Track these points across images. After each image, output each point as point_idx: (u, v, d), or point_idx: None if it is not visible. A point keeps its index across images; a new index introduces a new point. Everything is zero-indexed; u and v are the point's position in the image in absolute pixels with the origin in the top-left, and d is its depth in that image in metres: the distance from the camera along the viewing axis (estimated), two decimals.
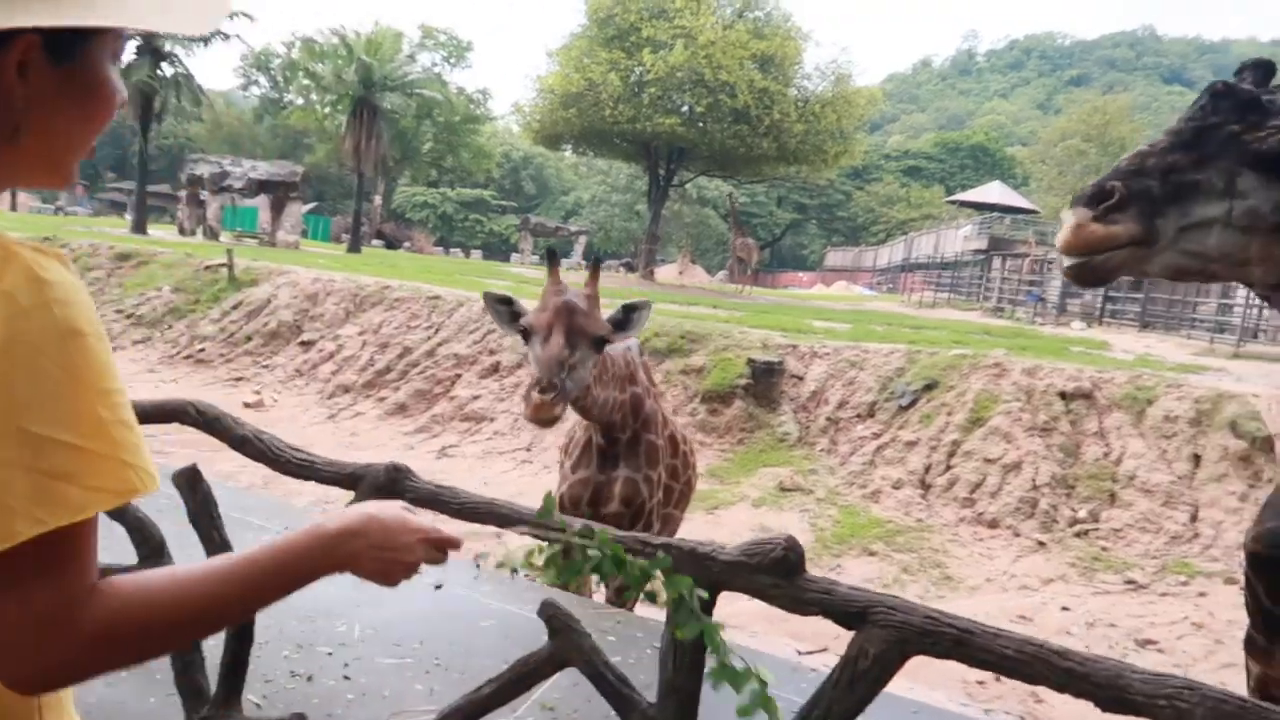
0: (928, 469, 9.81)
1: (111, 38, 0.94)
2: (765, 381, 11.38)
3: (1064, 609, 7.29)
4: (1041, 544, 8.53)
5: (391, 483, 2.16)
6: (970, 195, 38.16)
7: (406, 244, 50.37)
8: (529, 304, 3.18)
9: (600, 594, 3.82)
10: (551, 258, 3.25)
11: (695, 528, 8.46)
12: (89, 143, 0.97)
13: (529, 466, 10.50)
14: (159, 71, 29.65)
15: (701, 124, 25.96)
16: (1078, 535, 8.57)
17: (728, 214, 31.33)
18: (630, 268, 39.16)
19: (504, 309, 3.17)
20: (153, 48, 29.51)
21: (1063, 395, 10.09)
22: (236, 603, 0.94)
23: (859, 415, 11.01)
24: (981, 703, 5.87)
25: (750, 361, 11.54)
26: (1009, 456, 9.47)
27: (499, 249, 53.45)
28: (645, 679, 1.96)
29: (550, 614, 1.95)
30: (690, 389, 11.61)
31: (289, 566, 0.96)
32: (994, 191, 36.02)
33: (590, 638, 1.91)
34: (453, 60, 55.94)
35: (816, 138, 26.39)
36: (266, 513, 4.64)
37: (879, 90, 33.21)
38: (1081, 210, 1.52)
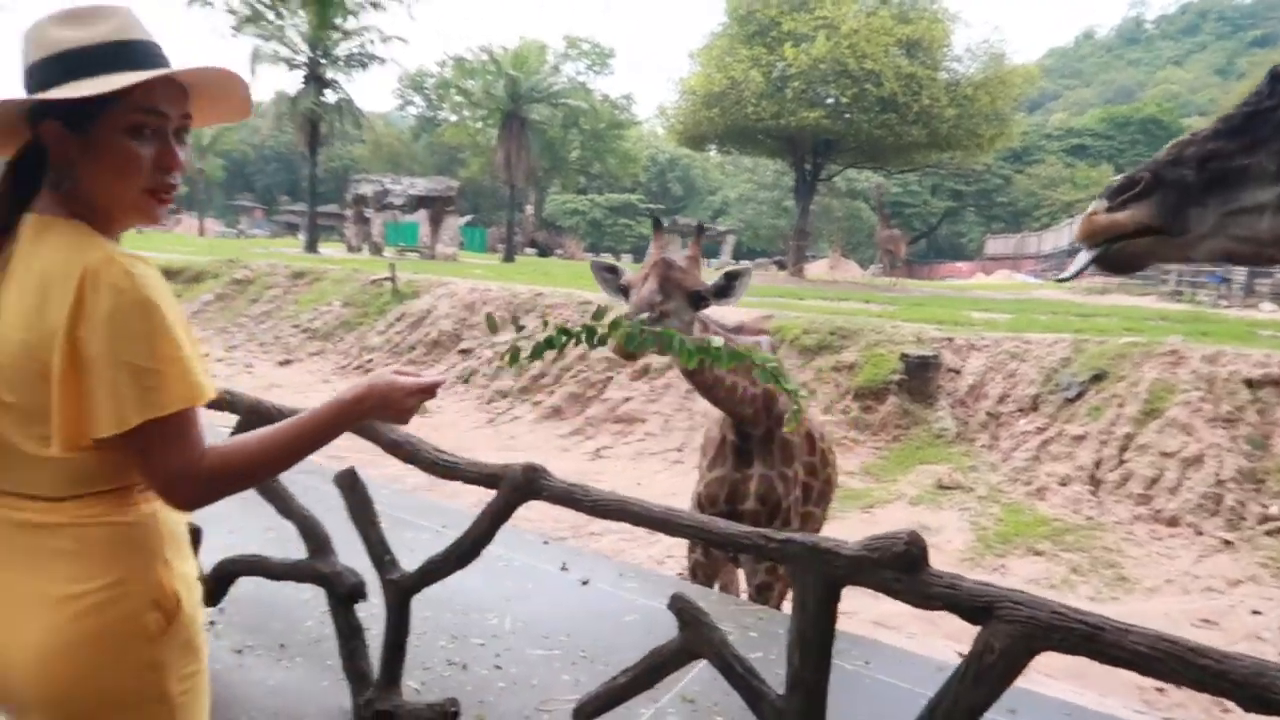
0: (1098, 464, 9.28)
1: (120, 115, 1.35)
2: (920, 376, 11.05)
3: (1255, 613, 6.75)
4: (1228, 543, 7.92)
5: (529, 482, 2.27)
6: None
7: (559, 251, 51.68)
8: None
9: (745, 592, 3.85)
10: (657, 225, 3.35)
11: (850, 526, 8.32)
12: (129, 193, 1.39)
13: (680, 467, 10.59)
14: (323, 98, 31.56)
15: (847, 115, 25.42)
16: (1269, 534, 7.91)
17: (876, 206, 30.55)
18: (781, 265, 38.76)
19: (611, 277, 3.29)
20: (316, 76, 31.43)
21: (1249, 383, 9.33)
22: (294, 449, 1.42)
23: (1021, 409, 10.53)
24: (1162, 710, 5.52)
25: (904, 356, 11.23)
26: (1189, 450, 8.84)
27: (647, 251, 53.92)
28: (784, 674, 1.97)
29: (680, 606, 2.00)
30: (842, 386, 11.42)
31: (325, 423, 1.45)
32: None
33: (720, 631, 1.94)
34: (596, 68, 56.97)
35: (970, 121, 25.36)
36: (424, 512, 4.90)
37: (1035, 68, 31.53)
38: (1100, 201, 1.50)
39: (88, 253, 1.30)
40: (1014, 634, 1.41)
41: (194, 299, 19.17)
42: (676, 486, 10.03)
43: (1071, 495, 9.05)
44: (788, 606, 3.90)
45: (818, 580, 1.75)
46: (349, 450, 4.14)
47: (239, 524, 4.32)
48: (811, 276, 32.04)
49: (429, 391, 1.54)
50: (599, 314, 2.07)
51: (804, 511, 3.56)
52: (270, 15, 9.84)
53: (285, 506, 2.82)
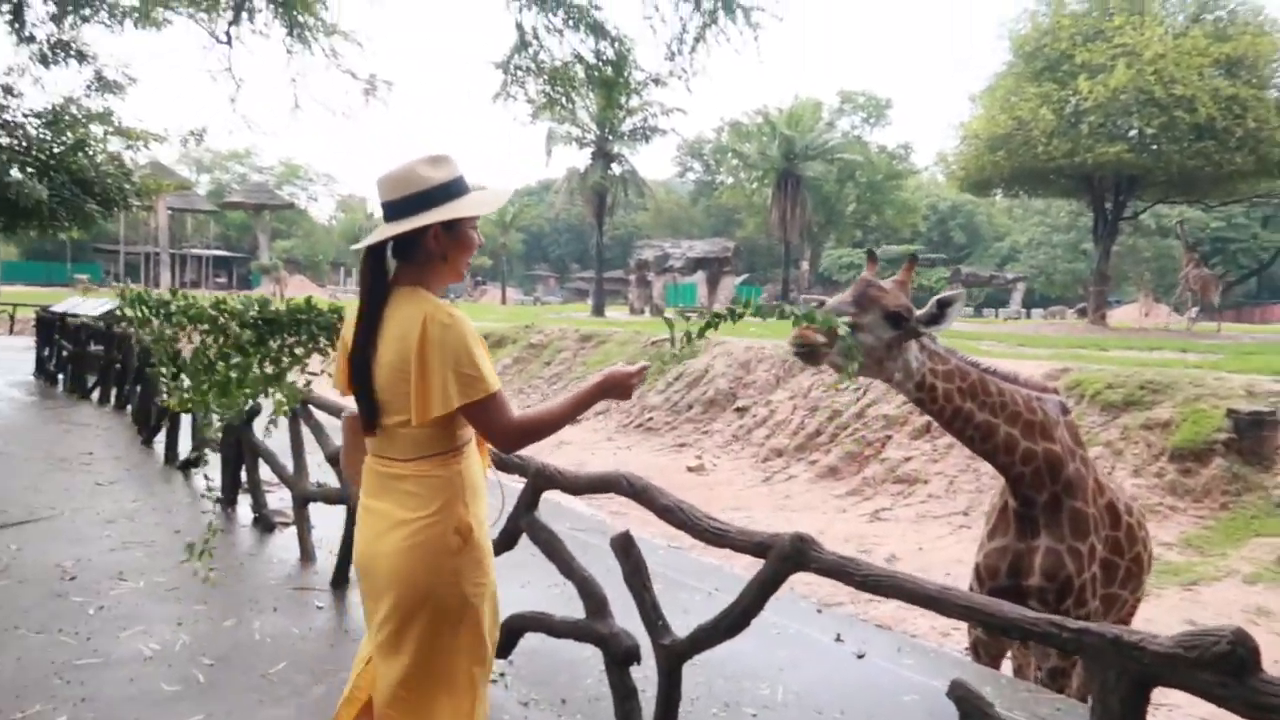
0: None
1: (469, 219, 2.23)
2: (1253, 435, 9.67)
3: None
4: None
5: (797, 553, 2.21)
6: None
7: None
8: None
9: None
10: (871, 256, 3.44)
11: (1167, 605, 7.39)
12: (466, 263, 2.31)
13: (966, 532, 9.95)
14: (609, 171, 33.58)
15: (1154, 146, 23.17)
16: None
17: (1182, 242, 27.43)
18: (1082, 312, 35.80)
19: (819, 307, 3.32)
20: (604, 152, 33.53)
21: None
22: (566, 416, 2.20)
23: None
24: None
25: (1231, 412, 9.89)
26: None
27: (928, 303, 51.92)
28: None
29: (960, 694, 1.86)
30: (1154, 446, 10.24)
31: (582, 401, 2.25)
32: None
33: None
34: (872, 120, 56.24)
35: None
36: (698, 573, 4.93)
37: None
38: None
39: (426, 305, 2.10)
40: None
41: (495, 363, 20.88)
42: (962, 553, 9.41)
43: None
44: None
45: (1121, 678, 1.55)
46: (629, 507, 4.28)
47: (530, 577, 4.59)
48: (1116, 324, 29.29)
49: (640, 375, 2.33)
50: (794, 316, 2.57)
51: (1106, 594, 3.18)
52: (563, 100, 10.84)
53: (567, 567, 2.95)
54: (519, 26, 10.04)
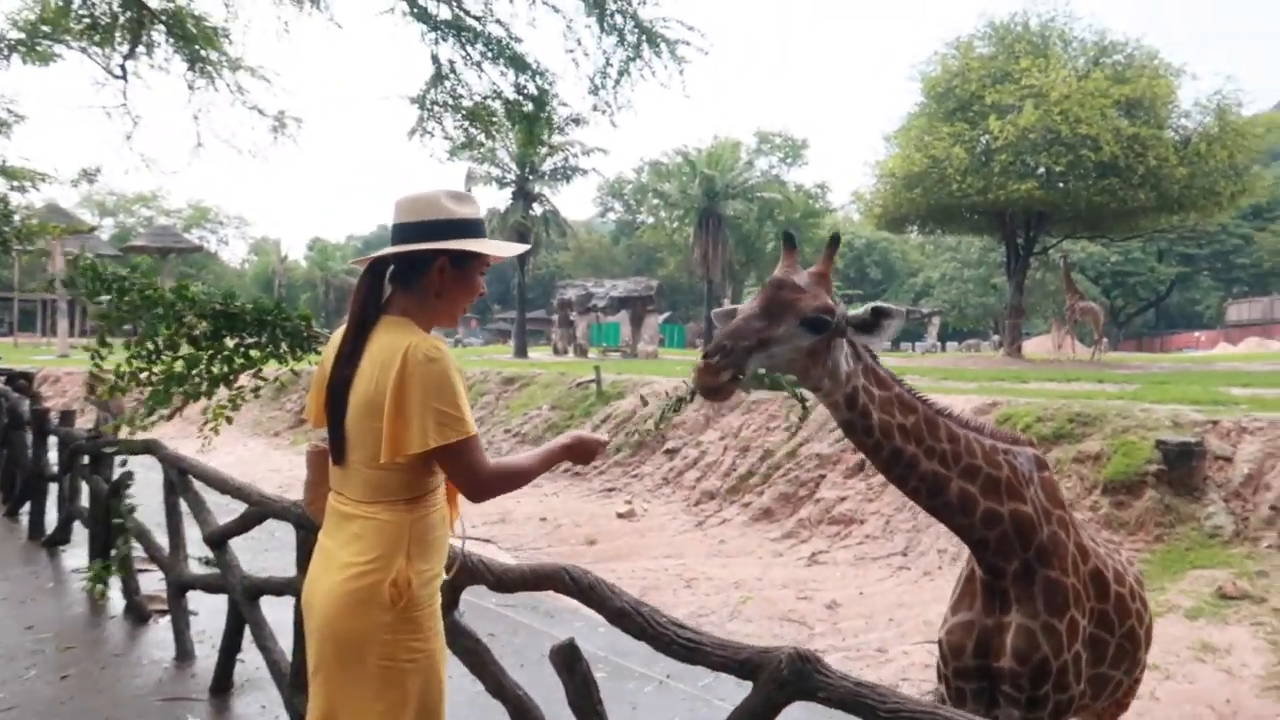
0: None
1: (481, 262, 2.19)
2: (1182, 466, 9.69)
3: None
4: None
5: (798, 676, 1.76)
6: None
7: None
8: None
9: None
10: (788, 241, 2.75)
11: None
12: (464, 309, 2.22)
13: (907, 573, 9.73)
14: (530, 212, 33.25)
15: (1062, 184, 23.84)
16: None
17: (1064, 276, 28.17)
18: (997, 345, 36.63)
19: (727, 317, 2.73)
20: (525, 192, 33.21)
21: None
22: (535, 471, 2.19)
23: None
24: None
25: (1160, 443, 9.91)
26: None
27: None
28: None
29: None
30: (1087, 479, 10.20)
31: (551, 459, 2.27)
32: None
33: None
34: (789, 160, 57.21)
35: (1205, 179, 23.13)
36: (650, 656, 4.49)
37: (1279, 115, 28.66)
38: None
39: (412, 336, 2.00)
40: None
41: None
42: (903, 596, 9.16)
43: None
44: None
45: None
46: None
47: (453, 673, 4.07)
48: (1030, 355, 29.94)
49: (604, 445, 2.42)
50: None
51: (1095, 674, 2.81)
52: (483, 136, 10.49)
53: (496, 684, 2.47)
54: (435, 59, 9.64)
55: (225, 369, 4.02)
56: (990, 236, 32.72)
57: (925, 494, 2.63)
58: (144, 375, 3.89)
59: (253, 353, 4.08)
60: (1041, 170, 23.98)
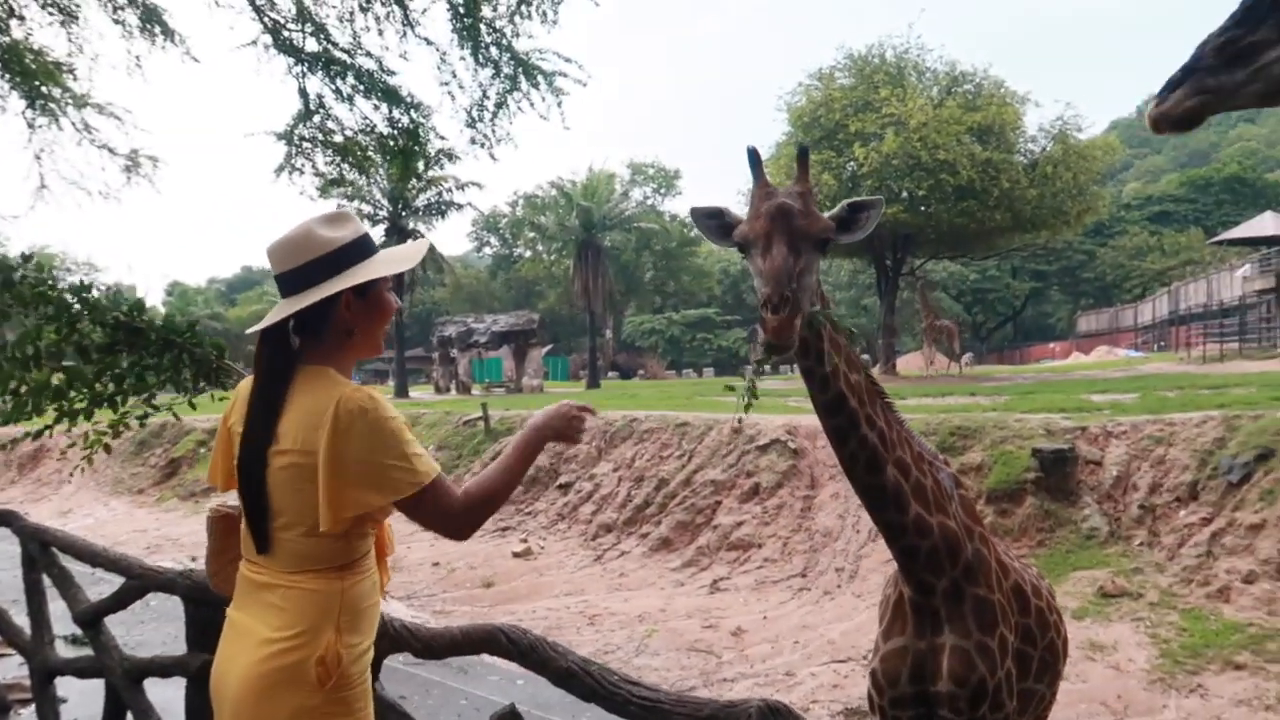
0: None
1: (384, 281, 1.99)
2: (1058, 472, 10.14)
3: None
4: None
5: None
6: (1239, 231, 34.11)
7: (640, 372, 51.64)
8: (742, 214, 2.54)
9: None
10: (754, 159, 2.54)
11: None
12: (383, 333, 2.05)
13: (806, 595, 9.80)
14: None
15: (924, 207, 24.98)
16: None
17: (920, 298, 29.58)
18: (872, 362, 37.88)
19: (714, 224, 2.60)
20: (399, 228, 32.55)
21: None
22: (516, 473, 1.95)
23: (1178, 499, 9.50)
24: None
25: (1036, 451, 10.35)
26: None
27: (729, 364, 53.68)
28: None
29: None
30: (971, 490, 10.55)
31: (526, 453, 1.99)
32: (1268, 223, 31.84)
33: None
34: (663, 190, 57.98)
35: (1054, 199, 24.68)
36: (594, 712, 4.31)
37: (1115, 139, 30.80)
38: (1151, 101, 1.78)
39: (338, 388, 1.81)
40: None
41: None
42: (806, 618, 9.22)
43: (1262, 594, 7.97)
44: None
45: None
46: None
47: None
48: (904, 372, 31.07)
49: (586, 410, 2.09)
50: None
51: (1022, 689, 2.81)
52: (353, 175, 10.18)
53: None
54: (303, 93, 9.29)
55: (112, 388, 3.58)
56: (859, 259, 33.87)
57: (863, 467, 2.50)
58: (13, 385, 3.44)
59: (148, 375, 3.63)
60: (905, 194, 25.03)
